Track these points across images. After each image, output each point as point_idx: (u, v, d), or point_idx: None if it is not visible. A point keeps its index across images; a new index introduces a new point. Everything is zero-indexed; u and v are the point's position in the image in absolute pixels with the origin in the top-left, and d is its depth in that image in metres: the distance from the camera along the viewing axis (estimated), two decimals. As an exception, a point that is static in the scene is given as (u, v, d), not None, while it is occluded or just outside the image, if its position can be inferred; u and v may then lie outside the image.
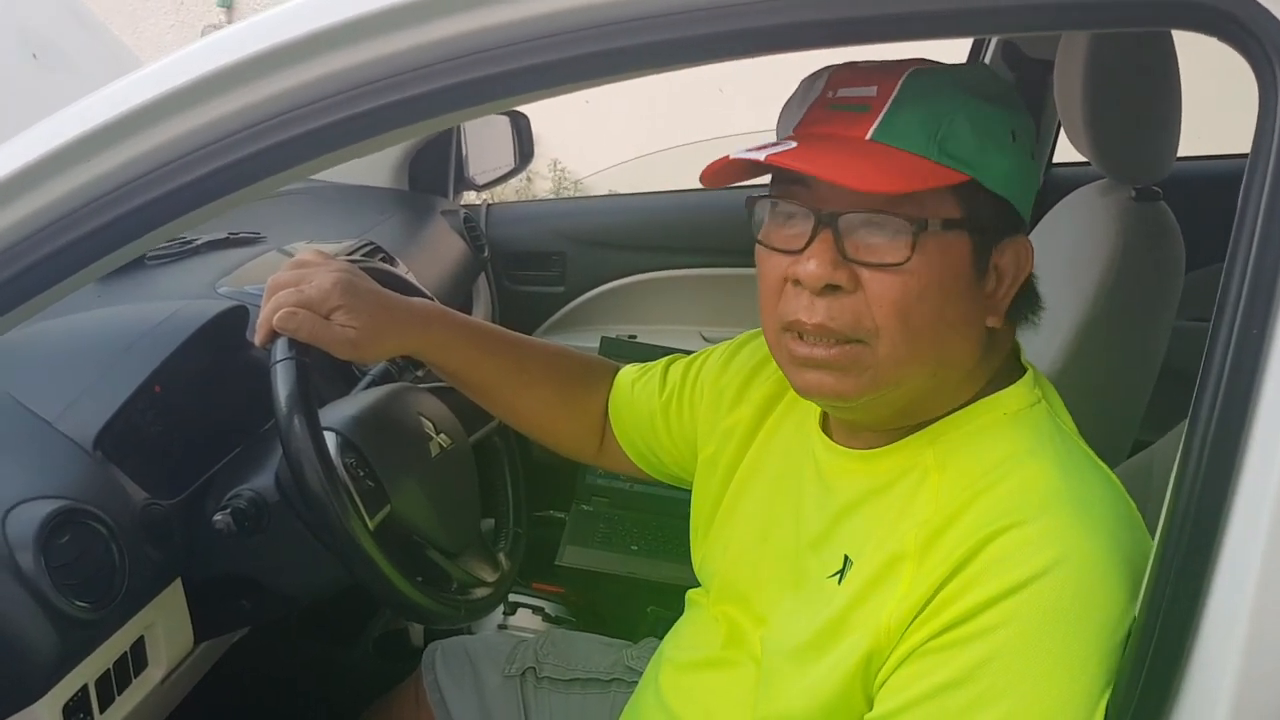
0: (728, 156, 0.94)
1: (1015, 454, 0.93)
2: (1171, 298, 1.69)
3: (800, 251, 0.92)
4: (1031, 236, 1.87)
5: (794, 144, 0.91)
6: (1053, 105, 2.23)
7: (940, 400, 0.98)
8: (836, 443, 1.05)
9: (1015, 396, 0.98)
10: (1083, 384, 1.66)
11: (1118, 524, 0.90)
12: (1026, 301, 1.00)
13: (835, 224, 0.90)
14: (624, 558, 2.20)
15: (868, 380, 0.93)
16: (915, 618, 0.90)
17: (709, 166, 0.96)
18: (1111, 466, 1.35)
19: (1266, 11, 0.74)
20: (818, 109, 0.94)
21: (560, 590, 2.17)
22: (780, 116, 0.99)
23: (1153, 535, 0.83)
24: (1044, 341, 1.70)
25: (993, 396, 0.98)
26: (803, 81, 0.98)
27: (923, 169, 0.88)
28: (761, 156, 0.90)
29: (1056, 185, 2.49)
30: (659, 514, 2.29)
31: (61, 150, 0.87)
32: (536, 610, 2.08)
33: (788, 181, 0.94)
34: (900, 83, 0.91)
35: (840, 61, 0.96)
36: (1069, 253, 1.74)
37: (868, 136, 0.90)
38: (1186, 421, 0.80)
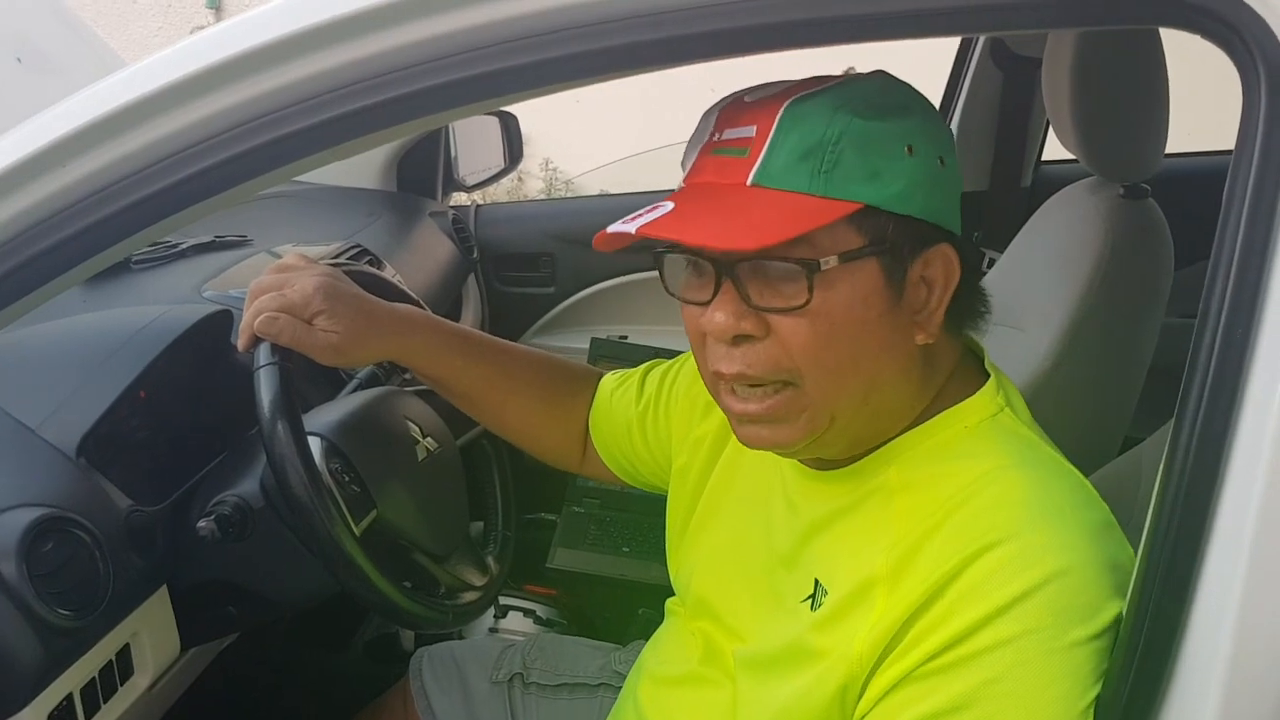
0: (605, 231, 0.91)
1: (984, 470, 0.91)
2: (1160, 295, 1.69)
3: (708, 303, 0.90)
4: (1021, 234, 1.91)
5: (670, 205, 0.89)
6: (1041, 103, 2.24)
7: (890, 421, 0.96)
8: (801, 462, 1.03)
9: (976, 408, 0.96)
10: (1072, 382, 1.67)
11: (1095, 530, 0.88)
12: (968, 307, 0.97)
13: (734, 273, 0.88)
14: (615, 559, 2.20)
15: (803, 425, 0.92)
16: (891, 643, 0.88)
17: (598, 236, 0.93)
18: (1101, 464, 1.36)
19: (1250, 9, 0.74)
20: (704, 155, 0.91)
21: (553, 592, 2.16)
22: (684, 156, 0.96)
23: (1141, 532, 0.83)
24: (1033, 340, 1.70)
25: (953, 409, 0.96)
26: (701, 118, 0.95)
27: (807, 208, 0.85)
28: (632, 229, 0.88)
29: (1045, 183, 2.51)
30: (650, 515, 2.29)
31: (45, 152, 0.86)
32: (528, 613, 2.08)
33: None
34: (777, 119, 0.87)
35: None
36: (1059, 251, 1.74)
37: (748, 182, 0.87)
38: (1173, 418, 0.80)
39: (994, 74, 2.52)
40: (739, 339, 0.90)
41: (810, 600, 0.96)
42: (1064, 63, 1.60)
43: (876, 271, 0.88)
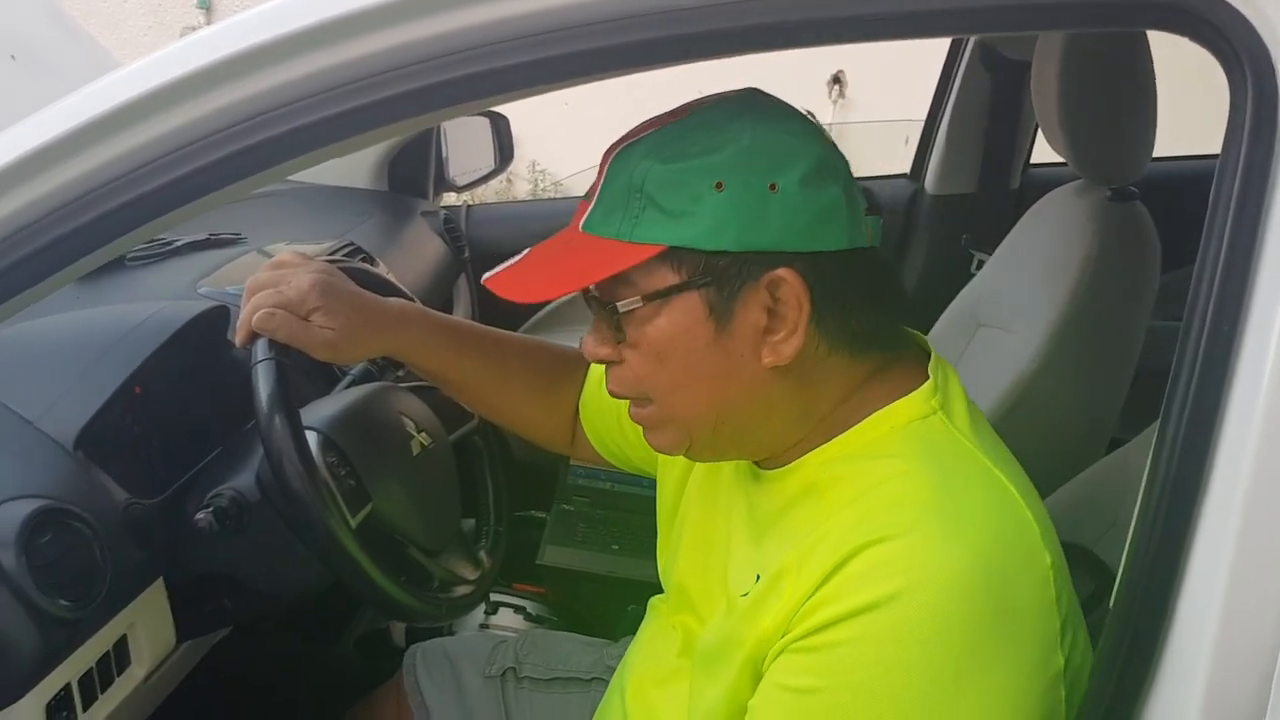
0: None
1: (894, 469, 0.91)
2: (1147, 297, 1.71)
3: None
4: (1009, 236, 1.93)
5: (527, 252, 0.99)
6: (1030, 106, 2.25)
7: (779, 435, 0.99)
8: (754, 463, 1.06)
9: (905, 409, 0.96)
10: (1059, 383, 1.68)
11: (994, 543, 0.87)
12: (842, 325, 0.95)
13: (597, 307, 0.97)
14: (605, 557, 2.21)
15: (673, 436, 1.00)
16: (789, 624, 0.90)
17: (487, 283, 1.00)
18: (1087, 464, 1.38)
19: (1238, 13, 0.75)
20: (582, 198, 0.98)
21: (542, 590, 2.17)
22: None
23: (1127, 532, 0.84)
24: (1020, 341, 1.72)
25: (883, 411, 0.96)
26: None
27: (616, 253, 0.91)
28: (483, 279, 0.98)
29: (1034, 186, 2.52)
30: (640, 513, 2.29)
31: (39, 151, 0.86)
32: (518, 610, 2.09)
33: None
34: (606, 168, 0.94)
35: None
36: (1045, 253, 1.76)
37: (579, 229, 0.95)
38: (1159, 419, 0.81)
39: (983, 77, 2.54)
40: (607, 363, 0.99)
41: (746, 595, 0.98)
42: (1052, 66, 1.62)
43: (697, 304, 0.92)
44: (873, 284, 0.96)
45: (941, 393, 0.97)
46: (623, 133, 0.96)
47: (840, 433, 0.97)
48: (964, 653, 0.84)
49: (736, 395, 0.95)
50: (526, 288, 0.95)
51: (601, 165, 0.95)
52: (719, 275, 0.91)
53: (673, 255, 0.90)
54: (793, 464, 0.99)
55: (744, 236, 0.89)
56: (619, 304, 0.93)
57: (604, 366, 1.01)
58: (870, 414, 0.96)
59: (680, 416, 0.98)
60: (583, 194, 0.97)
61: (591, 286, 0.94)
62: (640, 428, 1.03)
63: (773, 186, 0.89)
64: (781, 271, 0.90)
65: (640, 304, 0.92)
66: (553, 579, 2.18)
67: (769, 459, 1.02)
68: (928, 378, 0.97)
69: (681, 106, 0.96)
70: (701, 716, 1.02)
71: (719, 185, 0.89)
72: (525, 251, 0.99)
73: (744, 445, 1.01)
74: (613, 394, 1.01)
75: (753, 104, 0.95)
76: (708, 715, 1.01)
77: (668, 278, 0.91)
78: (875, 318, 0.96)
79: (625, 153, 0.93)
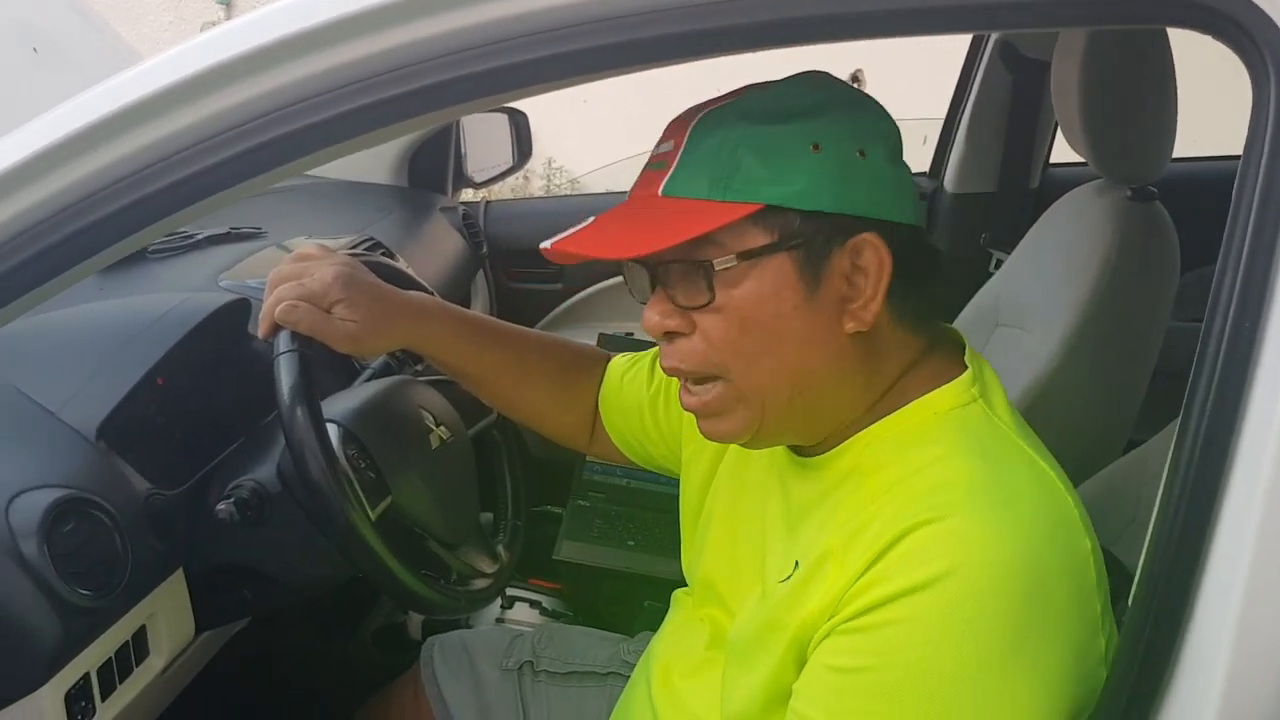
0: (541, 246, 0.99)
1: (938, 454, 0.93)
2: (1166, 297, 1.70)
3: (646, 302, 0.98)
4: (1028, 235, 1.92)
5: (590, 220, 0.97)
6: (1050, 105, 2.25)
7: (839, 409, 0.99)
8: (791, 450, 1.07)
9: (947, 396, 0.97)
10: (1077, 383, 1.68)
11: (1039, 526, 0.88)
12: (912, 296, 0.98)
13: (662, 276, 0.96)
14: (620, 553, 2.21)
15: (741, 418, 0.98)
16: (836, 607, 0.91)
17: (543, 250, 0.99)
18: (1106, 464, 1.37)
19: (1261, 11, 0.75)
20: (644, 170, 0.98)
21: (557, 585, 2.18)
22: None
23: (1146, 531, 0.84)
24: (1039, 341, 1.72)
25: (924, 398, 0.97)
26: None
27: (707, 213, 0.90)
28: (549, 244, 0.97)
29: (1053, 185, 2.52)
30: (655, 510, 2.30)
31: (62, 144, 0.87)
32: (534, 604, 2.09)
33: None
34: (688, 132, 0.94)
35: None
36: (1066, 252, 1.75)
37: (659, 193, 0.94)
38: (1179, 419, 0.81)
39: (1003, 76, 2.54)
40: (671, 336, 0.97)
41: (787, 580, 0.99)
42: (1073, 64, 1.61)
43: (788, 266, 0.92)
44: (930, 263, 0.98)
45: (980, 382, 0.99)
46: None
47: (883, 418, 0.98)
48: (1011, 633, 0.85)
49: (817, 363, 0.96)
50: (611, 245, 0.94)
51: (674, 135, 0.95)
52: (809, 237, 0.91)
53: (765, 215, 0.91)
54: (837, 449, 1.00)
55: (839, 198, 0.91)
56: (714, 261, 0.92)
57: (663, 342, 0.99)
58: (912, 400, 0.98)
59: (756, 389, 0.96)
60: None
61: (669, 250, 0.92)
62: (669, 426, 1.03)
63: (862, 153, 0.92)
64: (869, 235, 0.92)
65: (734, 262, 0.91)
66: (569, 574, 2.19)
67: (817, 444, 1.02)
68: (965, 368, 0.99)
69: (745, 87, 0.97)
70: (737, 704, 1.02)
71: (815, 147, 0.90)
72: (588, 219, 0.98)
73: (810, 422, 1.00)
74: (672, 371, 0.99)
75: (830, 82, 0.98)
76: (745, 702, 1.01)
77: (759, 238, 0.91)
78: (930, 296, 1.00)
79: (710, 119, 0.94)
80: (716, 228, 0.90)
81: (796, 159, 0.90)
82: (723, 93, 0.97)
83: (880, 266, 0.93)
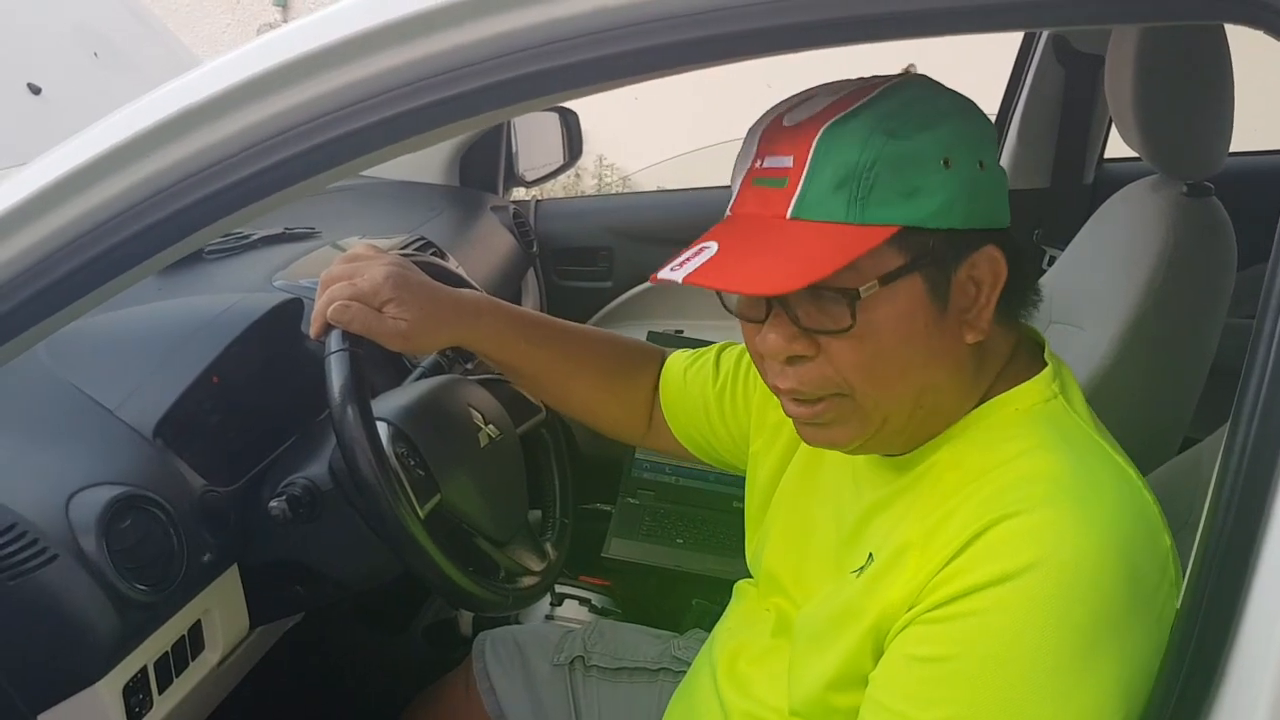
0: (654, 277, 0.93)
1: (1022, 448, 0.93)
2: (1223, 294, 1.67)
3: (762, 321, 0.94)
4: (1082, 231, 1.90)
5: (714, 246, 0.91)
6: (1104, 100, 2.22)
7: (944, 414, 0.99)
8: None
9: (1029, 392, 0.97)
10: (1131, 381, 1.66)
11: (1123, 521, 0.88)
12: (1019, 297, 0.98)
13: (783, 298, 0.91)
14: (669, 550, 2.22)
15: (855, 427, 0.96)
16: (918, 597, 0.91)
17: (653, 277, 0.94)
18: (1160, 463, 1.36)
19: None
20: (746, 184, 0.94)
21: (607, 583, 2.18)
22: (732, 176, 0.97)
23: (1198, 530, 0.83)
24: (1093, 338, 1.70)
25: (1007, 394, 0.98)
26: (746, 135, 0.96)
27: (846, 238, 0.87)
28: (679, 278, 0.90)
29: (1107, 180, 2.48)
30: (704, 508, 2.30)
31: (124, 145, 0.89)
32: (583, 602, 2.10)
33: None
34: (812, 148, 0.89)
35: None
36: (1120, 249, 1.73)
37: (788, 216, 0.89)
38: (1229, 421, 0.80)
39: (1056, 71, 2.51)
40: (792, 359, 0.94)
41: (860, 570, 0.99)
42: (1127, 59, 1.59)
43: (920, 286, 0.91)
44: (1034, 264, 0.98)
45: (1059, 380, 0.99)
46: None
47: (966, 414, 0.99)
48: (1092, 628, 0.85)
49: (941, 377, 0.95)
50: (757, 279, 0.88)
51: (790, 149, 0.90)
52: (939, 255, 0.90)
53: (903, 236, 0.88)
54: (924, 447, 1.00)
55: (970, 215, 0.90)
56: (860, 289, 0.88)
57: (777, 363, 0.95)
58: (994, 397, 0.98)
59: (880, 406, 0.94)
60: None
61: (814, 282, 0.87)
62: (757, 428, 1.01)
63: (981, 164, 0.91)
64: (991, 249, 0.92)
65: (878, 288, 0.89)
66: (618, 571, 2.19)
67: (894, 452, 1.02)
68: (1044, 364, 1.00)
69: (849, 93, 0.92)
70: (805, 687, 1.03)
71: (946, 162, 0.88)
72: (701, 246, 0.92)
73: (921, 430, 0.99)
74: (790, 393, 0.96)
75: (937, 84, 0.95)
76: (813, 685, 1.01)
77: (895, 259, 0.89)
78: (1029, 293, 1.00)
79: (836, 131, 0.88)
80: (856, 257, 0.86)
81: (929, 176, 0.88)
82: (775, 91, 0.96)
83: (997, 276, 0.93)
